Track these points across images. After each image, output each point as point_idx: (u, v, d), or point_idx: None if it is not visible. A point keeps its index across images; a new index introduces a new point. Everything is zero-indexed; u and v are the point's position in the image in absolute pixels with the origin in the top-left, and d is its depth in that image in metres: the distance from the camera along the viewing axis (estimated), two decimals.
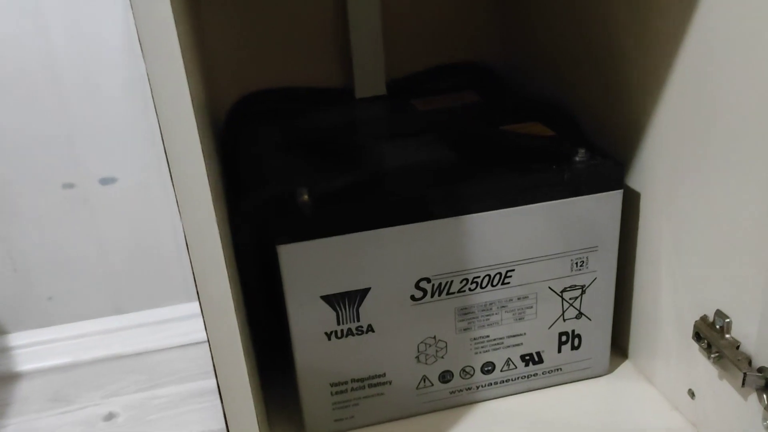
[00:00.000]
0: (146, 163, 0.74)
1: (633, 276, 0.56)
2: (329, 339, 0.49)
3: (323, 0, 0.70)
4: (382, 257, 0.48)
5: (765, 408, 0.42)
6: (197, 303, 0.82)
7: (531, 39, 0.69)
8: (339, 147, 0.58)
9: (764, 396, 0.42)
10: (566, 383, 0.57)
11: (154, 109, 0.70)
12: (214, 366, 0.41)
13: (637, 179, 0.54)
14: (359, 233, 0.47)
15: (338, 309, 0.49)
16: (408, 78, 0.74)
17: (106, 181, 0.74)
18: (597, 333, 0.56)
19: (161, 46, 0.32)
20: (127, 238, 0.77)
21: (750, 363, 0.44)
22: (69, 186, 0.73)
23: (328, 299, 0.48)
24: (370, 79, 0.72)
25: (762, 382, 0.43)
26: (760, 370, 0.43)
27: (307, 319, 0.48)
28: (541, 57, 0.67)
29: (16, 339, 0.77)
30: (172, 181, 0.35)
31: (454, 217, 0.48)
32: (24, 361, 0.77)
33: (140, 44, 0.33)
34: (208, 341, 0.40)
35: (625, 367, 0.59)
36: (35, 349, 0.77)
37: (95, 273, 0.77)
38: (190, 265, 0.38)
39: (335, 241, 0.46)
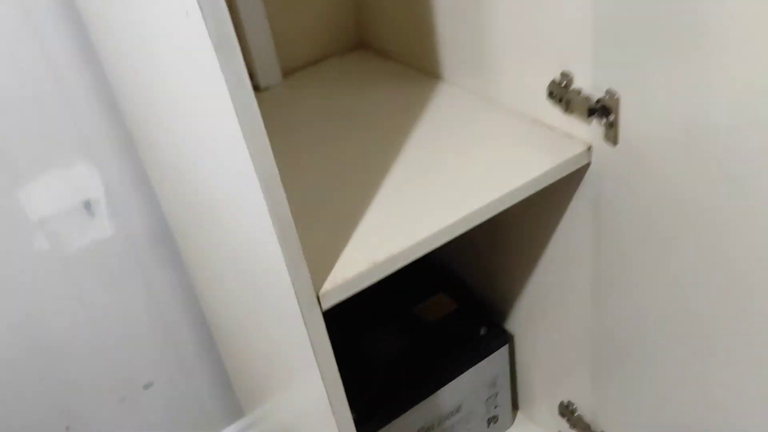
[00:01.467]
0: (166, 365, 1.03)
1: (517, 377, 0.99)
2: None
3: None
4: None
5: None
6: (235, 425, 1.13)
7: None
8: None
9: None
10: None
11: (166, 320, 0.97)
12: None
13: (510, 323, 0.95)
14: None
15: None
16: None
17: (147, 386, 1.02)
18: (504, 412, 0.98)
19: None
20: (171, 416, 1.06)
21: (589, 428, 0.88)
22: (122, 399, 1.00)
23: None
24: None
25: None
26: None
27: None
28: None
29: None
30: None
31: (425, 400, 0.87)
32: None
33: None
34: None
35: (519, 416, 1.03)
36: None
37: None
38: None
39: None
